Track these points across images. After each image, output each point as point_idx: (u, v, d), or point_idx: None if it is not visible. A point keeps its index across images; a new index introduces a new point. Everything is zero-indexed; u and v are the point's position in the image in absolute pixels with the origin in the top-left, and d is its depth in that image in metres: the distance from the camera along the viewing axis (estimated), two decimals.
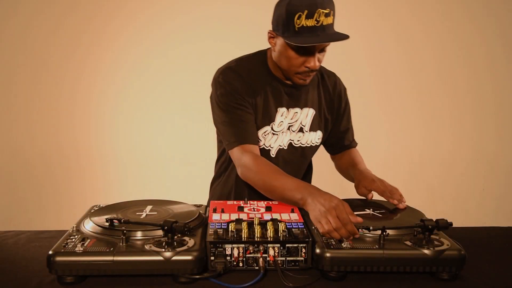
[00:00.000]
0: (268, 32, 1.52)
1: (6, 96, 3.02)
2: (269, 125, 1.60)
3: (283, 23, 1.41)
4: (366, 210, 1.39)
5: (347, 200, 1.50)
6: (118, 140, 3.10)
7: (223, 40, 2.97)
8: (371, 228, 1.16)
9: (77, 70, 3.01)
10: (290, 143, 1.65)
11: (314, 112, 1.66)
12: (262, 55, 1.63)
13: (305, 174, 1.80)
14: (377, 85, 3.07)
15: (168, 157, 3.11)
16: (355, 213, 1.21)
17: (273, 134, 1.61)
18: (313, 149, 1.71)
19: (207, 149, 3.09)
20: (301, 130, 1.65)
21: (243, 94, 1.54)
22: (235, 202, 1.46)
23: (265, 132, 1.60)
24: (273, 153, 1.63)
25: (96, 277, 1.10)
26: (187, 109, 3.07)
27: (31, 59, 2.99)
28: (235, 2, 2.96)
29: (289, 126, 1.63)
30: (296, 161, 1.69)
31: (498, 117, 3.15)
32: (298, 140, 1.65)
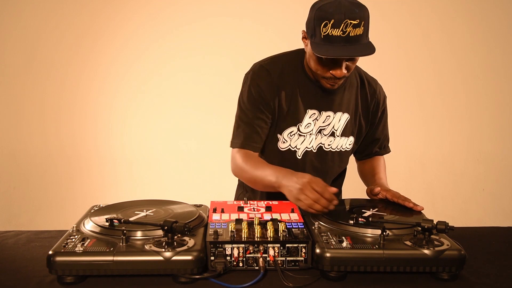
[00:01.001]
0: (302, 31, 1.49)
1: (7, 97, 3.02)
2: (295, 125, 1.57)
3: (311, 27, 1.40)
4: (368, 210, 1.38)
5: (348, 200, 1.51)
6: (118, 140, 3.10)
7: (223, 41, 2.98)
8: (370, 218, 1.21)
9: (78, 72, 3.01)
10: (321, 147, 1.62)
11: (348, 117, 1.62)
12: (299, 54, 1.59)
13: (337, 178, 1.77)
14: None
15: (168, 157, 3.11)
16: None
17: (300, 135, 1.59)
18: (343, 154, 1.67)
19: (207, 149, 3.11)
20: (332, 134, 1.61)
21: (267, 96, 1.52)
22: (235, 202, 1.46)
23: (291, 133, 1.58)
24: (299, 155, 1.61)
25: (96, 277, 1.10)
26: (188, 110, 3.07)
27: (33, 60, 2.99)
28: (236, 2, 2.96)
29: (321, 130, 1.60)
30: (326, 165, 1.66)
31: (498, 117, 3.15)
32: (329, 145, 1.62)
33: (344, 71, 1.42)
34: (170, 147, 3.11)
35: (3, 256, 1.27)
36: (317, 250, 1.12)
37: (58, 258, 1.06)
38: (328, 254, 1.09)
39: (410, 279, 1.13)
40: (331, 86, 1.49)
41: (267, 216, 1.30)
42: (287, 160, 1.60)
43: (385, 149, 1.79)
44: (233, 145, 1.57)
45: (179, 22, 2.97)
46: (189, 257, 1.08)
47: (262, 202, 1.46)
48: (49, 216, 3.04)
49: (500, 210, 3.19)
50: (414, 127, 3.15)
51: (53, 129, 3.06)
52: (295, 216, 1.31)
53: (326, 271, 1.11)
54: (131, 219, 1.23)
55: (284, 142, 1.59)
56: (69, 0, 2.95)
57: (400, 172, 3.15)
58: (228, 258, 1.13)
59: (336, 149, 1.64)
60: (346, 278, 1.13)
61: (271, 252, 1.13)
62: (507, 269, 1.21)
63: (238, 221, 1.23)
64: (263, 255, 1.13)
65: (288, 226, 1.20)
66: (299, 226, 1.22)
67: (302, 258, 1.14)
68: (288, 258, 1.14)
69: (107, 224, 1.20)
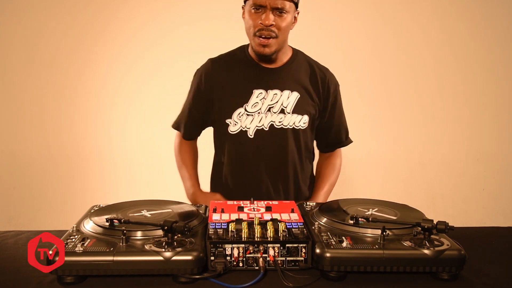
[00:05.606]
0: (242, 8, 1.68)
1: (7, 97, 3.02)
2: (242, 106, 1.66)
3: None
4: (367, 210, 1.38)
5: (348, 200, 1.51)
6: (118, 140, 3.10)
7: (223, 41, 2.97)
8: (370, 219, 1.21)
9: (79, 72, 3.01)
10: (272, 124, 1.68)
11: (299, 96, 1.69)
12: (243, 46, 1.77)
13: (303, 167, 1.79)
14: (377, 86, 3.07)
15: (168, 157, 3.10)
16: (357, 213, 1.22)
17: (248, 115, 1.67)
18: (298, 132, 1.71)
19: (207, 149, 3.10)
20: (282, 111, 1.67)
21: (204, 87, 1.73)
22: (235, 202, 1.46)
23: (239, 114, 1.67)
24: (250, 134, 1.67)
25: (96, 277, 1.10)
26: None
27: (33, 60, 2.99)
28: (234, 2, 2.96)
29: (270, 108, 1.67)
30: (281, 143, 1.70)
31: (498, 117, 3.15)
32: (280, 121, 1.68)
33: (271, 19, 1.55)
34: (170, 147, 3.09)
35: (3, 256, 1.27)
36: (317, 250, 1.12)
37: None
38: (328, 254, 1.09)
39: (410, 279, 1.13)
40: (262, 48, 1.60)
41: (267, 216, 1.30)
42: (239, 142, 1.69)
43: (346, 140, 1.85)
44: (175, 129, 1.93)
45: (179, 23, 2.97)
46: (189, 257, 1.08)
47: (262, 202, 1.46)
48: (49, 216, 3.03)
49: (500, 210, 3.19)
50: (414, 127, 3.15)
51: (53, 129, 3.05)
52: (295, 216, 1.31)
53: (326, 271, 1.11)
54: (131, 219, 1.23)
55: (235, 124, 1.68)
56: (69, 1, 2.95)
57: (400, 172, 3.15)
58: (228, 258, 1.13)
59: (289, 126, 1.68)
60: (346, 278, 1.13)
61: (271, 252, 1.13)
62: (508, 269, 1.21)
63: (238, 221, 1.23)
64: (263, 255, 1.13)
65: (288, 226, 1.20)
66: (299, 226, 1.22)
67: (302, 258, 1.14)
68: (288, 258, 1.14)
69: (107, 224, 1.20)
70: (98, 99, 3.05)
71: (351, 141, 1.87)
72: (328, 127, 1.80)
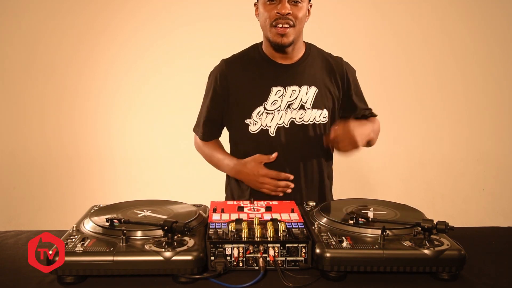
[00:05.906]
0: (254, 5, 1.68)
1: (7, 97, 3.02)
2: (261, 105, 1.65)
3: None
4: (367, 209, 1.38)
5: (347, 200, 1.51)
6: (118, 140, 3.10)
7: (223, 42, 2.98)
8: (370, 219, 1.21)
9: (79, 72, 3.01)
10: (292, 121, 1.66)
11: (317, 90, 1.67)
12: (258, 43, 1.75)
13: (324, 163, 1.76)
14: (377, 86, 3.07)
15: (168, 157, 3.11)
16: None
17: (267, 113, 1.65)
18: (320, 127, 1.69)
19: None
20: (302, 107, 1.66)
21: (220, 88, 1.68)
22: (235, 202, 1.46)
23: (258, 113, 1.65)
24: (272, 132, 1.66)
25: (96, 277, 1.10)
26: (187, 109, 3.06)
27: (33, 60, 2.99)
28: (238, 4, 2.96)
29: (289, 104, 1.66)
30: (302, 140, 1.68)
31: (498, 117, 3.15)
32: (301, 118, 1.67)
33: (288, 7, 1.54)
34: (170, 147, 3.11)
35: (3, 256, 1.27)
36: (317, 250, 1.12)
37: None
38: (328, 254, 1.09)
39: (410, 279, 1.13)
40: (280, 38, 1.58)
41: (267, 216, 1.30)
42: (261, 141, 1.66)
43: (371, 114, 1.82)
44: (195, 132, 1.88)
45: (179, 23, 2.97)
46: (189, 257, 1.08)
47: (262, 202, 1.46)
48: (49, 216, 3.03)
49: (500, 210, 3.19)
50: (414, 127, 3.14)
51: (53, 129, 3.05)
52: (295, 216, 1.31)
53: (326, 271, 1.11)
54: (131, 219, 1.23)
55: (255, 124, 1.66)
56: (69, 1, 2.95)
57: (400, 172, 3.15)
58: (228, 258, 1.13)
59: (309, 122, 1.67)
60: (346, 278, 1.13)
61: (271, 252, 1.13)
62: (507, 269, 1.22)
63: (238, 221, 1.23)
64: (263, 255, 1.13)
65: (288, 226, 1.20)
66: (299, 226, 1.22)
67: (302, 258, 1.14)
68: (288, 258, 1.14)
69: (107, 224, 1.20)
70: (98, 99, 3.05)
71: (376, 115, 1.84)
72: (353, 108, 1.78)
